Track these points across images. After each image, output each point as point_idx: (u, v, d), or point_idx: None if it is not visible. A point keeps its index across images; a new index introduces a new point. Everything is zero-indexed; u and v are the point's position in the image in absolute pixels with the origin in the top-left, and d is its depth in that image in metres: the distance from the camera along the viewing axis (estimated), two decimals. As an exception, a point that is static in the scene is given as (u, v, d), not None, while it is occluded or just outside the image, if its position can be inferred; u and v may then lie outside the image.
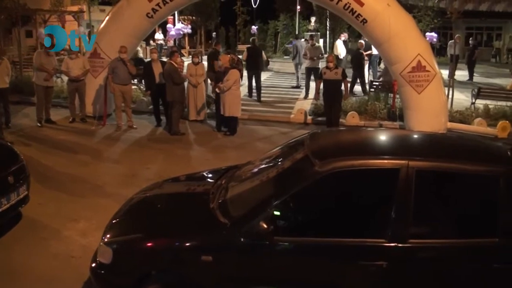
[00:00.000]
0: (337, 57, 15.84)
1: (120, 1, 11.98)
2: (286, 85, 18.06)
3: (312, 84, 14.19)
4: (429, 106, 10.53)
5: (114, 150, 9.59)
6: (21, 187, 5.84)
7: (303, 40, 19.38)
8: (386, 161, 3.90)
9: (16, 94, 13.34)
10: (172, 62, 10.70)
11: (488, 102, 12.65)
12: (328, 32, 25.83)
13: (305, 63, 16.04)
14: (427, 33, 17.95)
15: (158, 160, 8.99)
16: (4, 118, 10.65)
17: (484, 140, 5.83)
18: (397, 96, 11.68)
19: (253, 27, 30.36)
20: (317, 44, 16.09)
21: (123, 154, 9.40)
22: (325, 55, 21.23)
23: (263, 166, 4.70)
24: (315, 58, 15.48)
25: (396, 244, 3.61)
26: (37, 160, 8.42)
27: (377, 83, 13.85)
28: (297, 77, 17.47)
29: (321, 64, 14.43)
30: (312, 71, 15.28)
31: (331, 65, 10.56)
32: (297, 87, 17.14)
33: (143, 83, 13.65)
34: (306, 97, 15.08)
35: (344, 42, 18.40)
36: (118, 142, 10.13)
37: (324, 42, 25.98)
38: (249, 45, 16.97)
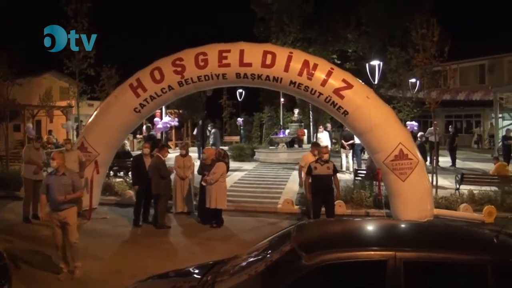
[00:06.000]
0: None
1: (108, 97, 12.33)
2: (272, 175, 18.19)
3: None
4: (414, 193, 10.62)
5: (99, 244, 9.38)
6: (2, 288, 5.64)
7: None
8: (373, 252, 3.88)
9: (1, 189, 13.25)
10: (160, 155, 10.79)
11: (472, 187, 12.80)
12: (311, 123, 26.61)
13: None
14: (408, 122, 18.61)
15: (144, 255, 8.79)
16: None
17: (470, 227, 5.88)
18: (382, 184, 11.80)
19: (238, 119, 31.21)
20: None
21: (107, 249, 9.19)
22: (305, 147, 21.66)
23: (250, 260, 4.63)
24: None
25: None
26: (20, 258, 8.18)
27: (361, 172, 14.03)
28: None
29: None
30: None
31: (326, 156, 9.98)
32: None
33: (130, 176, 13.66)
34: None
35: (329, 132, 18.89)
36: (102, 237, 9.94)
37: (309, 132, 26.66)
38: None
